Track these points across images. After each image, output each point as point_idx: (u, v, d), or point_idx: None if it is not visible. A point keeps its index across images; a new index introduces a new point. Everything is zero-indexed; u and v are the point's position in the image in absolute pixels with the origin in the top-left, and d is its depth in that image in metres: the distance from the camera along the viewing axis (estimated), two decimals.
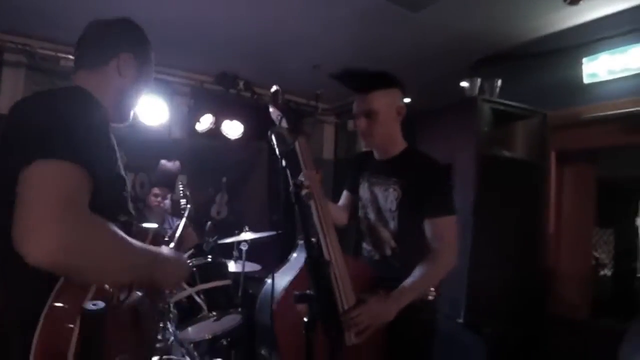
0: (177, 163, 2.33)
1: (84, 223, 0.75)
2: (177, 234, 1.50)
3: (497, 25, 2.78)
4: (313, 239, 1.19)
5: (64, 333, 0.71)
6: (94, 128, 0.88)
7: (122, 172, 1.02)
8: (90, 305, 0.71)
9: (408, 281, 1.45)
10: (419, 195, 1.52)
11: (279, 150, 1.20)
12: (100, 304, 0.71)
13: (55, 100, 0.89)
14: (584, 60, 2.70)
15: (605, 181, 3.43)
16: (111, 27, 1.11)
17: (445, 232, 1.50)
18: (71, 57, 3.22)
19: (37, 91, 0.96)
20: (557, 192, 3.01)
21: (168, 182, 3.09)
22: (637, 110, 2.52)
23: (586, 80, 2.70)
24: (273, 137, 1.26)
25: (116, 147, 0.98)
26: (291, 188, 1.12)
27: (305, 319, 0.92)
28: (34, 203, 0.71)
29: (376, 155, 1.71)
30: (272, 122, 1.40)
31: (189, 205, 1.86)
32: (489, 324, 2.43)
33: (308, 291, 0.92)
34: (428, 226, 1.51)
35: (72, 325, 0.72)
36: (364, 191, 1.73)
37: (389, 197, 1.61)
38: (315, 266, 0.92)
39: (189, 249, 1.82)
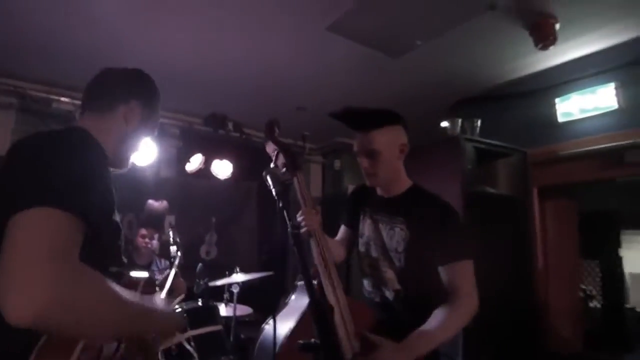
0: (165, 203, 2.30)
1: (74, 276, 0.68)
2: (168, 284, 1.46)
3: (473, 69, 2.95)
4: (314, 281, 1.16)
5: None
6: (94, 173, 0.84)
7: (118, 219, 0.99)
8: None
9: (425, 328, 1.32)
10: (430, 238, 1.43)
11: (276, 191, 1.15)
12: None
13: (55, 141, 0.85)
14: (557, 100, 2.88)
15: (587, 214, 3.55)
16: (124, 75, 1.13)
17: (463, 278, 1.39)
18: (63, 99, 3.28)
19: (38, 131, 0.91)
20: (542, 227, 3.08)
21: (156, 223, 3.05)
22: (609, 147, 2.67)
23: (560, 119, 2.86)
24: (268, 178, 1.21)
25: (114, 194, 0.94)
26: (289, 229, 1.11)
27: None
28: (19, 254, 0.66)
29: (379, 191, 1.63)
30: (263, 161, 1.34)
31: (179, 253, 1.83)
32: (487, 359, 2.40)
33: (313, 340, 0.90)
34: (444, 273, 1.40)
35: None
36: (366, 228, 1.64)
37: (394, 236, 1.53)
38: (320, 312, 0.90)
39: (179, 298, 1.77)
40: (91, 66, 1.16)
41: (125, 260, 1.07)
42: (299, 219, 1.36)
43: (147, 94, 1.14)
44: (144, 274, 1.15)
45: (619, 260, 4.79)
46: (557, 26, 2.33)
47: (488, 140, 2.83)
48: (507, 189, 2.99)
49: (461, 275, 1.39)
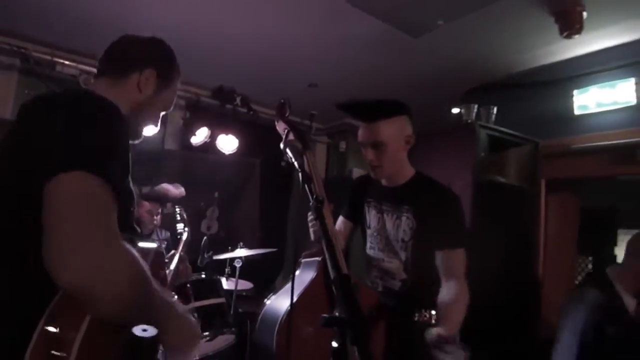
0: (182, 189, 2.24)
1: (118, 252, 0.70)
2: (172, 265, 1.40)
3: (492, 54, 2.89)
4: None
5: None
6: (119, 140, 0.84)
7: (132, 187, 0.97)
8: (139, 331, 0.64)
9: (448, 318, 1.37)
10: (433, 225, 1.47)
11: (298, 163, 1.12)
12: (152, 331, 0.65)
13: (79, 106, 0.83)
14: (575, 92, 2.83)
15: (587, 210, 3.55)
16: (142, 43, 1.09)
17: (459, 266, 1.46)
18: (68, 62, 3.18)
19: (53, 92, 0.91)
20: (546, 219, 3.09)
21: (162, 199, 3.02)
22: (623, 142, 2.65)
23: (577, 111, 2.83)
24: (288, 150, 1.18)
25: (130, 161, 0.92)
26: (312, 203, 1.07)
27: (334, 344, 0.85)
28: (67, 223, 0.66)
29: (383, 182, 1.64)
30: (269, 138, 1.34)
31: (186, 229, 1.77)
32: (484, 347, 2.42)
33: (337, 314, 0.86)
34: (441, 258, 1.46)
35: (65, 355, 0.64)
36: (371, 219, 1.66)
37: (401, 225, 1.55)
38: (347, 287, 0.86)
39: (183, 284, 1.70)
40: (96, 32, 1.12)
41: (137, 228, 1.04)
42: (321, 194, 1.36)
43: (164, 63, 1.10)
44: (153, 245, 1.11)
45: (613, 259, 4.83)
46: (585, 14, 2.27)
47: (502, 129, 2.79)
48: (516, 179, 2.97)
49: (459, 262, 1.46)
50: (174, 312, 0.85)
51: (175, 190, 2.04)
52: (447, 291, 1.42)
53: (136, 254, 0.74)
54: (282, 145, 1.23)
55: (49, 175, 0.69)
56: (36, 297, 0.68)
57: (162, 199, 2.43)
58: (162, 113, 1.16)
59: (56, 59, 3.00)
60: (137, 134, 1.11)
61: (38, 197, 0.69)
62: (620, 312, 1.55)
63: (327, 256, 1.02)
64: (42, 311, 0.67)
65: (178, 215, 2.02)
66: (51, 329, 0.66)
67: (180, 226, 1.97)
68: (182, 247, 1.47)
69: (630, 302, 1.59)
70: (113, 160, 0.78)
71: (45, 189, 0.69)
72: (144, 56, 1.06)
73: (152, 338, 0.66)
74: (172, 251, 1.42)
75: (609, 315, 1.52)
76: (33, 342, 0.64)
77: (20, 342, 0.65)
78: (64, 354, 0.65)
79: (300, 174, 1.13)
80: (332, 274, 0.95)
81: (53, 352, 0.65)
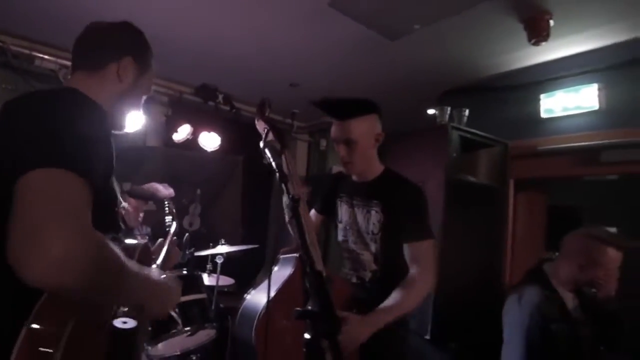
0: (171, 190, 2.25)
1: (87, 241, 0.68)
2: (163, 252, 1.44)
3: (465, 58, 3.00)
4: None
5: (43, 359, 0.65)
6: (96, 135, 0.82)
7: (115, 186, 0.98)
8: (119, 323, 0.67)
9: (386, 305, 1.44)
10: (400, 219, 1.54)
11: (275, 163, 1.16)
12: (131, 322, 0.68)
13: (55, 103, 0.83)
14: (542, 96, 2.98)
15: (554, 207, 3.73)
16: (113, 30, 1.06)
17: (423, 257, 1.51)
18: (47, 57, 3.13)
19: (34, 91, 0.89)
20: (514, 217, 3.23)
21: (148, 197, 3.01)
22: (587, 145, 2.79)
23: (543, 114, 2.97)
24: (267, 150, 1.22)
25: (114, 159, 0.91)
26: (288, 201, 1.13)
27: (306, 336, 0.92)
28: (34, 216, 0.65)
29: (354, 177, 1.72)
30: (251, 136, 1.35)
31: (174, 223, 1.82)
32: (454, 339, 2.54)
33: (309, 307, 0.92)
34: (407, 250, 1.53)
35: (51, 351, 0.66)
36: (343, 213, 1.73)
37: (370, 219, 1.62)
38: (320, 282, 0.93)
39: (173, 267, 1.76)
40: (76, 27, 1.08)
41: (122, 226, 1.07)
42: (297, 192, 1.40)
43: (139, 47, 1.08)
44: (139, 242, 1.14)
45: None
46: (552, 22, 2.39)
47: (474, 130, 2.92)
48: (487, 179, 3.11)
49: (424, 254, 1.52)
50: (152, 284, 0.89)
51: (165, 190, 2.06)
52: (406, 278, 1.49)
53: (112, 245, 0.74)
54: (261, 145, 1.26)
55: (20, 173, 0.68)
56: (23, 297, 0.68)
57: (150, 198, 2.44)
58: (144, 97, 1.14)
59: (35, 53, 2.96)
60: (121, 124, 1.10)
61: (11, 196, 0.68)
62: (561, 308, 1.64)
63: (302, 252, 1.09)
64: (28, 311, 0.68)
65: (167, 209, 2.05)
66: (37, 326, 0.67)
67: (168, 219, 2.01)
68: (170, 237, 1.52)
69: (567, 297, 1.70)
70: (91, 157, 0.77)
71: (16, 185, 0.68)
72: (118, 45, 1.04)
73: (133, 329, 0.69)
74: (160, 239, 1.45)
75: (550, 312, 1.57)
76: (19, 341, 0.66)
77: (6, 342, 0.66)
78: (50, 350, 0.66)
79: (277, 174, 1.17)
80: (307, 269, 1.01)
81: (40, 349, 0.66)
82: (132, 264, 0.80)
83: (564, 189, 4.07)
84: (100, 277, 0.70)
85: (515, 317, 1.66)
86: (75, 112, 0.83)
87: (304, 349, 0.92)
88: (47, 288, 0.67)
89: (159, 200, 2.16)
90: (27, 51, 2.94)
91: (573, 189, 4.18)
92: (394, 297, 1.46)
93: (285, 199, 1.22)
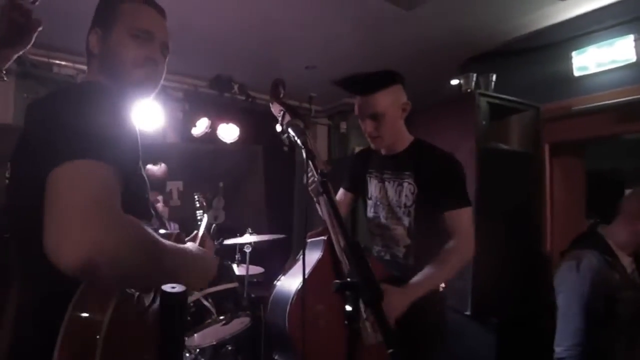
0: (164, 167, 2.23)
1: (119, 225, 0.69)
2: (198, 239, 1.43)
3: (488, 22, 2.85)
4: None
5: (89, 345, 0.66)
6: (120, 123, 0.83)
7: (143, 173, 0.97)
8: (169, 288, 0.70)
9: (427, 272, 1.44)
10: (435, 189, 1.51)
11: (301, 141, 1.11)
12: (180, 287, 0.70)
13: (72, 97, 0.84)
14: (573, 54, 2.79)
15: (592, 172, 3.55)
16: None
17: (463, 224, 1.50)
18: (64, 63, 3.15)
19: (52, 92, 0.89)
20: (551, 183, 3.09)
21: (157, 186, 3.03)
22: (624, 101, 2.61)
23: (576, 73, 2.79)
24: (290, 130, 1.17)
25: (139, 146, 0.91)
26: (317, 178, 1.08)
27: (347, 308, 0.88)
28: (65, 206, 0.67)
29: (383, 151, 1.68)
30: (269, 124, 1.31)
31: (206, 215, 1.81)
32: (495, 313, 2.46)
33: (348, 279, 0.88)
34: (447, 219, 1.50)
35: (97, 337, 0.66)
36: (373, 188, 1.69)
37: (403, 191, 1.58)
38: (359, 251, 0.88)
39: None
40: None
41: (153, 214, 1.05)
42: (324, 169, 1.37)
43: (103, 15, 1.03)
44: (173, 231, 1.13)
45: None
46: None
47: (503, 96, 2.77)
48: (519, 145, 2.96)
49: (462, 221, 1.50)
50: (190, 258, 0.91)
51: (159, 171, 2.04)
52: (446, 247, 1.48)
53: (146, 227, 0.74)
54: (278, 127, 1.23)
55: (52, 166, 0.70)
56: (63, 285, 0.68)
57: (153, 183, 2.46)
58: (142, 54, 1.01)
59: (52, 60, 3.00)
60: (139, 90, 1.03)
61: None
62: (623, 273, 1.54)
63: (335, 227, 1.04)
64: (69, 299, 0.69)
65: (197, 202, 2.06)
66: (79, 313, 0.68)
67: (199, 212, 2.01)
68: (204, 229, 1.51)
69: (626, 262, 1.59)
70: (115, 143, 0.77)
71: (47, 179, 0.70)
72: (93, 18, 1.05)
73: (183, 292, 0.72)
74: (195, 232, 1.44)
75: (612, 279, 1.50)
76: (63, 328, 0.66)
77: (50, 331, 0.66)
78: (96, 336, 0.66)
79: (303, 151, 1.14)
80: (342, 243, 0.96)
81: (84, 334, 0.67)
82: (168, 243, 0.81)
83: (602, 153, 3.87)
84: (137, 260, 0.71)
85: (573, 284, 1.59)
86: (92, 102, 0.83)
87: (346, 322, 0.88)
88: (85, 276, 0.68)
89: (156, 182, 2.13)
90: (44, 59, 2.97)
91: (611, 151, 3.97)
92: (432, 266, 1.45)
93: (306, 180, 1.18)
